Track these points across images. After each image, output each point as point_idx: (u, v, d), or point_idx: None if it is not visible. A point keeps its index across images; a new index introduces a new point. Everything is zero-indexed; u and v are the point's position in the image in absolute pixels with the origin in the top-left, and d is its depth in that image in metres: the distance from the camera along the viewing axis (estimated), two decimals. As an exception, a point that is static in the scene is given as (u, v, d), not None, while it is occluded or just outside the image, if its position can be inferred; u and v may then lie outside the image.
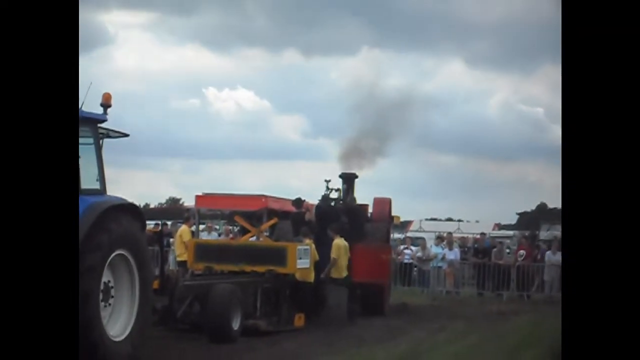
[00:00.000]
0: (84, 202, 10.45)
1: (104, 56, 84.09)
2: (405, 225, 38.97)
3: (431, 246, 26.66)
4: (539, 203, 66.40)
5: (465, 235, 31.94)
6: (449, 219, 54.82)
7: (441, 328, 17.00)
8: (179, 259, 18.86)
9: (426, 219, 43.60)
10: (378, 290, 19.56)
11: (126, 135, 12.82)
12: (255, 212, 20.38)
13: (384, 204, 21.20)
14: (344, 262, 17.40)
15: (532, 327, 16.67)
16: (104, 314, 10.98)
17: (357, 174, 20.99)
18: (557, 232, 28.62)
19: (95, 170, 11.65)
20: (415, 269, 26.06)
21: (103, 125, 11.90)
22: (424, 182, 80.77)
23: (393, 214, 21.55)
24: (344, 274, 17.38)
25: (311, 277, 16.75)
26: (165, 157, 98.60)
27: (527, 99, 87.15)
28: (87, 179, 11.34)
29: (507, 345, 14.05)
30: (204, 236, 23.69)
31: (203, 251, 16.96)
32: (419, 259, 25.84)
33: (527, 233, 32.07)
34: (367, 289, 19.16)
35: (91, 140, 11.60)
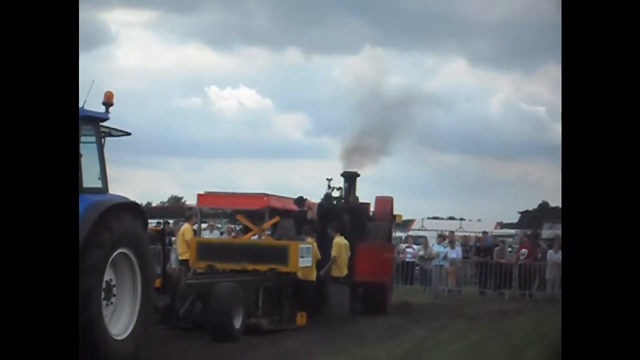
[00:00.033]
0: (86, 201, 10.46)
1: (106, 55, 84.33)
2: (407, 224, 38.93)
3: (433, 245, 26.66)
4: (540, 202, 66.46)
5: (467, 234, 31.97)
6: (451, 218, 54.67)
7: (443, 327, 16.97)
8: (180, 257, 18.84)
9: (428, 218, 43.51)
10: (380, 288, 19.55)
11: (128, 133, 12.81)
12: (257, 210, 20.38)
13: (386, 203, 21.20)
14: (344, 260, 17.42)
15: (534, 326, 16.61)
16: (106, 312, 10.98)
17: (359, 172, 21.00)
18: (558, 230, 28.51)
19: (97, 169, 11.65)
20: (417, 267, 26.07)
21: (105, 123, 11.89)
22: (426, 181, 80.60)
23: (395, 212, 21.56)
24: (345, 272, 17.39)
25: (313, 276, 16.76)
26: (167, 155, 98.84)
27: (528, 98, 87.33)
28: (89, 178, 11.34)
29: (509, 344, 14.01)
30: (206, 235, 23.66)
31: (205, 250, 16.95)
32: (421, 257, 25.83)
33: (529, 232, 31.98)
34: (369, 287, 19.19)
35: (93, 138, 11.60)
